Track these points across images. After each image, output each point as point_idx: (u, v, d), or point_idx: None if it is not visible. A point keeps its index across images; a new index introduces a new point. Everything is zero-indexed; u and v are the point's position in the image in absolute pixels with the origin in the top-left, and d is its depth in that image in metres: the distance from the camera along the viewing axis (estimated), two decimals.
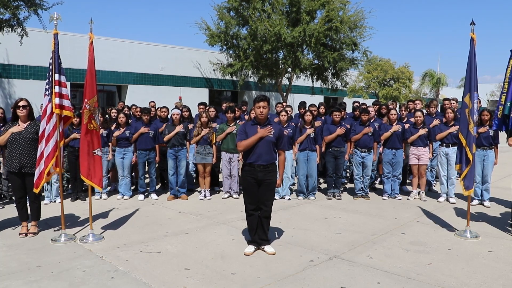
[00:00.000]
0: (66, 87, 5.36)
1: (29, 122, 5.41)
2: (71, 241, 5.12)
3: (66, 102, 5.29)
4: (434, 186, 8.42)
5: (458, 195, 7.34)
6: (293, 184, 8.43)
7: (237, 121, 7.86)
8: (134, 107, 9.89)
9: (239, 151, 5.62)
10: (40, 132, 5.19)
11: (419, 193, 7.62)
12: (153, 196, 7.69)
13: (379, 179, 8.74)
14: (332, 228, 5.75)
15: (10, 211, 6.42)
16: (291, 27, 16.12)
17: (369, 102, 15.60)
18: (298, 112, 8.94)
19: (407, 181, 8.60)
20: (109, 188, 8.16)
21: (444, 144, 7.39)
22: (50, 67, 5.19)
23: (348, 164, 8.93)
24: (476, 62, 5.31)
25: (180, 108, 8.19)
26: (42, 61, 14.73)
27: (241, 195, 6.96)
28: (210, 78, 20.50)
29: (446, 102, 8.85)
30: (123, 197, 7.61)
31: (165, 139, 7.46)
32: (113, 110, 8.71)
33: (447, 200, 7.40)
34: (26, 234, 5.32)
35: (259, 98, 4.74)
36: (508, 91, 5.56)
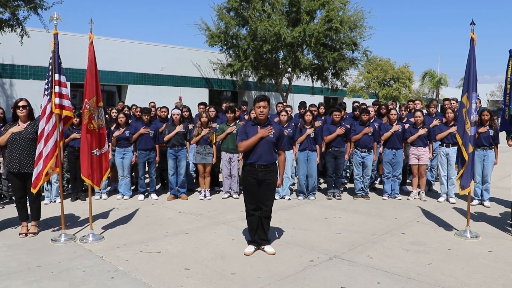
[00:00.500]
0: (66, 87, 5.36)
1: (29, 122, 5.41)
2: (71, 241, 5.12)
3: (66, 102, 5.29)
4: (434, 185, 8.41)
5: (458, 195, 7.34)
6: (293, 184, 8.43)
7: (237, 121, 7.86)
8: (134, 107, 9.89)
9: (239, 151, 5.62)
10: (39, 131, 5.19)
11: (419, 193, 7.62)
12: (153, 196, 7.69)
13: (379, 179, 8.74)
14: (332, 228, 5.75)
15: (10, 211, 6.42)
16: (291, 27, 16.12)
17: (369, 102, 15.60)
18: (298, 112, 8.94)
19: (407, 181, 8.60)
20: (109, 188, 8.17)
21: (445, 144, 7.39)
22: (50, 67, 5.19)
23: (348, 164, 8.93)
24: (476, 62, 5.31)
25: (180, 108, 8.19)
26: (42, 61, 14.73)
27: (241, 195, 6.96)
28: (210, 78, 20.50)
29: (446, 102, 8.85)
30: (123, 197, 7.61)
31: (165, 139, 7.46)
32: (113, 110, 8.71)
33: (447, 200, 7.40)
34: (26, 234, 5.32)
35: (259, 98, 4.74)
36: (511, 92, 5.55)
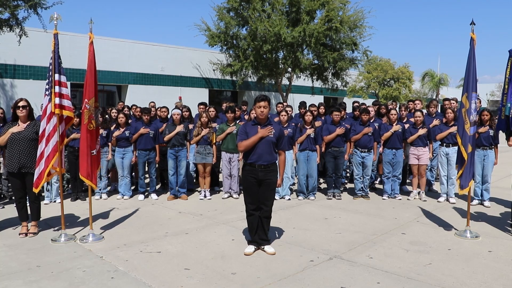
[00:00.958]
0: (67, 87, 5.36)
1: (29, 122, 5.41)
2: (71, 241, 5.12)
3: (67, 102, 5.28)
4: (434, 185, 8.41)
5: (458, 195, 7.33)
6: (293, 184, 8.43)
7: (237, 121, 7.86)
8: (134, 107, 9.89)
9: (239, 151, 5.62)
10: (40, 132, 5.19)
11: (419, 193, 7.62)
12: (153, 196, 7.69)
13: (379, 179, 8.74)
14: (332, 228, 5.75)
15: (10, 211, 6.43)
16: (291, 27, 16.13)
17: (369, 102, 15.61)
18: (298, 112, 8.94)
19: (407, 181, 8.60)
20: (109, 188, 8.17)
21: (445, 144, 7.39)
22: (50, 67, 5.19)
23: (348, 164, 8.93)
24: (476, 62, 5.31)
25: (180, 108, 8.19)
26: (42, 61, 14.74)
27: (241, 195, 6.96)
28: (210, 78, 20.51)
29: (446, 102, 8.85)
30: (123, 197, 7.61)
31: (165, 139, 7.46)
32: (113, 110, 8.71)
33: (447, 200, 7.40)
34: (26, 234, 5.32)
35: (260, 98, 4.74)
36: (508, 92, 5.56)
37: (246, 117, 8.64)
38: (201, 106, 8.77)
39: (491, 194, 7.21)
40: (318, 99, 20.22)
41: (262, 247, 4.79)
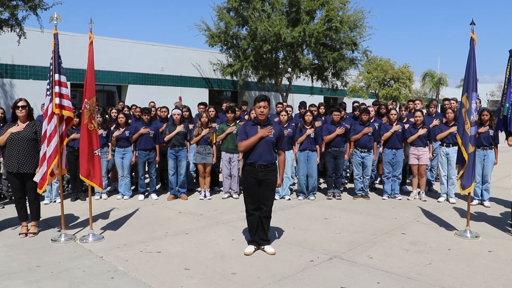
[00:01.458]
0: (67, 87, 5.36)
1: (28, 122, 5.40)
2: (71, 241, 5.12)
3: (66, 102, 5.28)
4: (434, 185, 8.40)
5: (458, 195, 7.34)
6: (293, 184, 8.43)
7: (237, 121, 7.86)
8: (134, 107, 9.89)
9: (239, 151, 5.62)
10: (42, 132, 5.19)
11: (419, 193, 7.62)
12: (153, 196, 7.69)
13: (379, 179, 8.74)
14: (332, 228, 5.75)
15: (10, 211, 6.42)
16: (291, 27, 16.12)
17: (369, 102, 15.62)
18: (298, 112, 8.94)
19: (407, 181, 8.60)
20: (109, 188, 8.17)
21: (445, 144, 7.39)
22: (51, 67, 5.19)
23: (348, 164, 8.93)
24: (476, 62, 5.31)
25: (180, 108, 8.19)
26: (42, 61, 14.74)
27: (241, 195, 6.96)
28: (210, 78, 20.51)
29: (446, 102, 8.85)
30: (123, 197, 7.61)
31: (165, 139, 7.46)
32: (113, 110, 8.71)
33: (447, 200, 7.40)
34: (26, 234, 5.32)
35: (260, 98, 4.74)
36: (507, 92, 5.56)
37: (246, 117, 8.63)
38: (201, 106, 8.76)
39: (491, 194, 7.21)
40: (318, 99, 20.22)
41: (262, 247, 4.79)
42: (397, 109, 8.55)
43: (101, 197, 7.59)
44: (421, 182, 7.60)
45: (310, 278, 4.03)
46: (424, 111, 8.65)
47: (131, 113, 9.48)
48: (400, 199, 7.57)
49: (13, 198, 6.01)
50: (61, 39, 6.04)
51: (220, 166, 8.15)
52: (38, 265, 4.34)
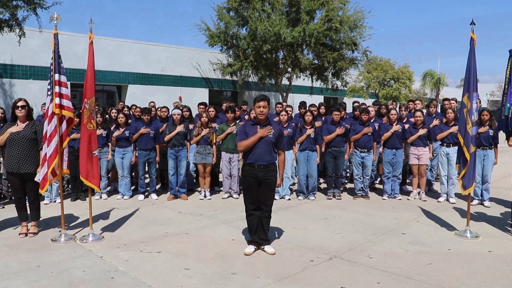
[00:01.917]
0: (67, 87, 5.36)
1: (28, 122, 5.40)
2: (71, 241, 5.12)
3: (66, 102, 5.28)
4: (434, 185, 8.40)
5: (458, 195, 7.33)
6: (293, 184, 8.43)
7: (237, 121, 7.86)
8: (134, 107, 9.89)
9: (239, 151, 5.62)
10: (43, 133, 5.19)
11: (419, 193, 7.62)
12: (153, 196, 7.69)
13: (379, 179, 8.74)
14: (332, 228, 5.75)
15: (10, 211, 6.42)
16: (291, 27, 16.12)
17: (369, 102, 15.62)
18: (298, 112, 8.93)
19: (407, 181, 8.60)
20: (109, 188, 8.17)
21: (445, 144, 7.39)
22: (51, 67, 5.19)
23: (348, 164, 8.93)
24: (476, 62, 5.31)
25: (181, 108, 8.19)
26: (42, 61, 14.75)
27: (241, 195, 6.96)
28: (210, 78, 20.50)
29: (446, 102, 8.85)
30: (123, 197, 7.61)
31: (165, 139, 7.46)
32: (113, 110, 8.71)
33: (447, 200, 7.40)
34: (26, 234, 5.32)
35: (259, 98, 4.74)
36: (508, 92, 5.56)
37: (246, 117, 8.63)
38: (201, 106, 8.76)
39: (491, 194, 7.21)
40: (318, 99, 20.21)
41: (262, 247, 4.79)
42: (397, 109, 8.55)
43: (101, 197, 7.59)
44: (421, 182, 7.60)
45: (310, 278, 4.03)
46: (424, 111, 8.65)
47: (131, 113, 9.48)
48: (400, 199, 7.57)
49: (13, 198, 6.01)
50: (61, 39, 6.04)
51: (220, 166, 8.14)
52: (38, 265, 4.34)
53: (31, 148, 5.30)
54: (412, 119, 7.77)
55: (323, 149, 7.69)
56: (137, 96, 17.13)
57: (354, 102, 10.72)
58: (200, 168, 7.58)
